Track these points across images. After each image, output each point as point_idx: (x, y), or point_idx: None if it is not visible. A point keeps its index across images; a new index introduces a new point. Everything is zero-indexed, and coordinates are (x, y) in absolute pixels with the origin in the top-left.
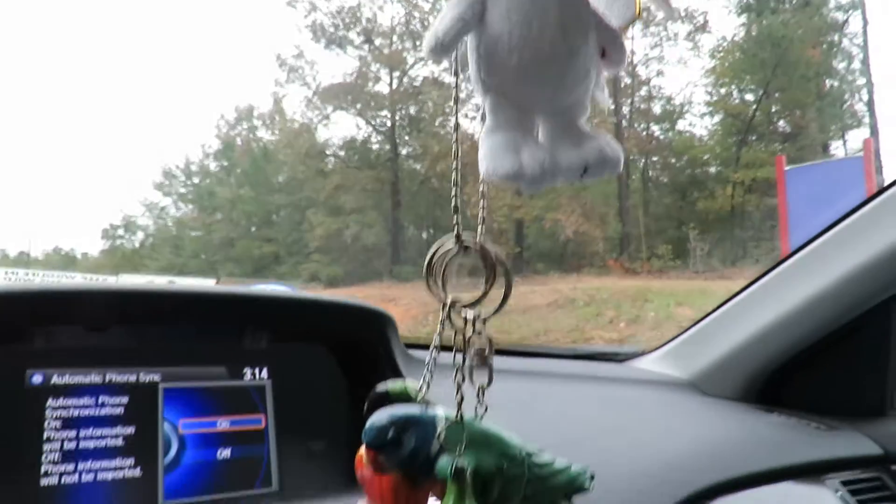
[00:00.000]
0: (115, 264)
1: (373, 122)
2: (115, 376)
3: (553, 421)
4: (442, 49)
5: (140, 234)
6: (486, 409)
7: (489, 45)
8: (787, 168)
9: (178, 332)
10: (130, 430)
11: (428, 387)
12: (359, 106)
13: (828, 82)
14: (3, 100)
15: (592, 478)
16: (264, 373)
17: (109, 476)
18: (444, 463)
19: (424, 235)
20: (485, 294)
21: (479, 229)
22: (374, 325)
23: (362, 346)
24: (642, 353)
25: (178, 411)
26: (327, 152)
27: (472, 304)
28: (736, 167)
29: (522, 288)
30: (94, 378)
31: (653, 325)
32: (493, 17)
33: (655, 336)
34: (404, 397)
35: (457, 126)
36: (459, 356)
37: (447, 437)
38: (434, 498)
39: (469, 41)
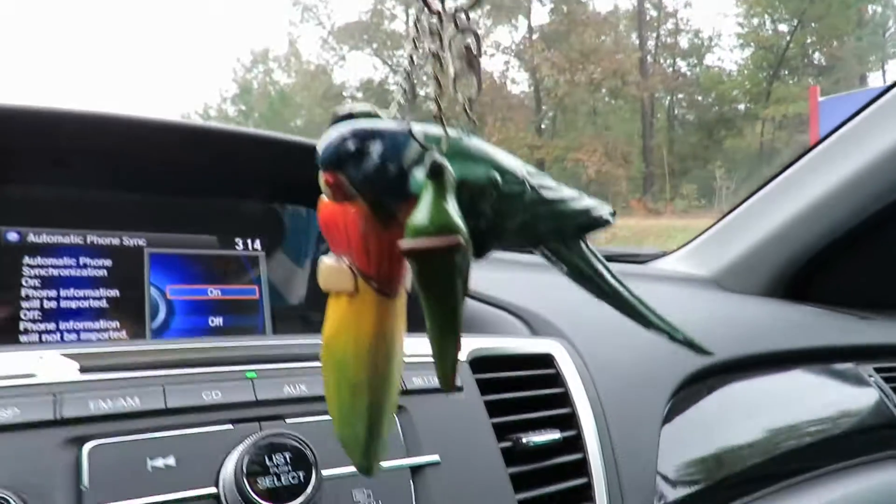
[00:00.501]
0: None
1: (389, 62)
2: (96, 238)
3: (568, 307)
4: None
5: None
6: (475, 125)
7: None
8: (821, 99)
9: (163, 185)
10: (114, 292)
11: (403, 108)
12: (375, 45)
13: (870, 8)
14: (20, 48)
15: (614, 214)
16: (257, 243)
17: (94, 337)
18: (421, 174)
19: None
20: None
21: None
22: None
23: None
24: (663, 254)
25: (166, 277)
26: (345, 94)
27: None
28: (766, 103)
29: None
30: (73, 238)
31: None
32: None
33: None
34: (372, 117)
35: None
36: (435, 45)
37: (424, 147)
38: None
39: None
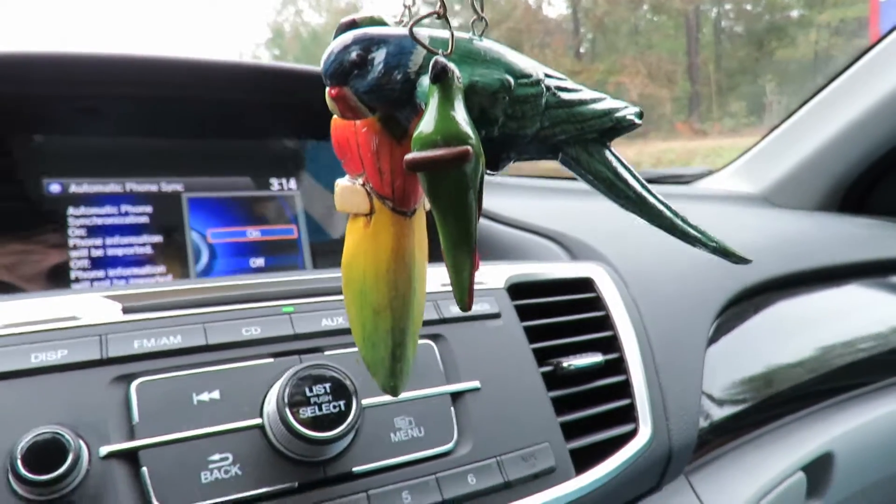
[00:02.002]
0: None
1: None
2: (134, 186)
3: (607, 231)
4: None
5: None
6: (486, 25)
7: None
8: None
9: (194, 128)
10: (158, 238)
11: (410, 12)
12: None
13: None
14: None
15: (641, 114)
16: (292, 183)
17: (142, 283)
18: (427, 81)
19: None
20: None
21: None
22: None
23: None
24: (709, 173)
25: (205, 221)
26: None
27: None
28: (822, 7)
29: None
30: (113, 187)
31: None
32: None
33: None
34: (377, 25)
35: None
36: None
37: (429, 50)
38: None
39: None
